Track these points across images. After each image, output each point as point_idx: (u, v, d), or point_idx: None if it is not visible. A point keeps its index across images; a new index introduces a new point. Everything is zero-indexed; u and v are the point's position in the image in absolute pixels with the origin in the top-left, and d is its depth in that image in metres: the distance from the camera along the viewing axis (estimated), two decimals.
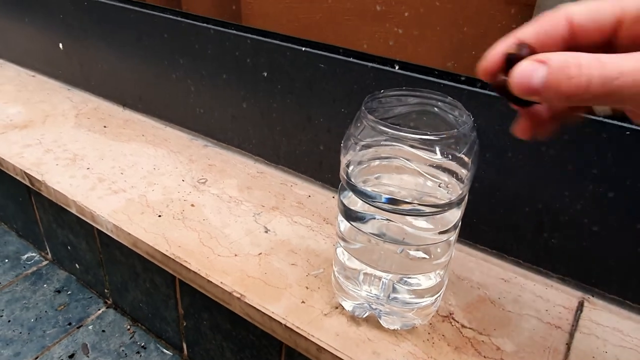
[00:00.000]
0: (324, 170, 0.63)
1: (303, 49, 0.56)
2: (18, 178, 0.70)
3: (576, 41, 0.24)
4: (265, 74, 0.61)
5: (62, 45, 0.88)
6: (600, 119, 0.41)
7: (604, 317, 0.46)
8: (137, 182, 0.64)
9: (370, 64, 0.52)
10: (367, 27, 0.52)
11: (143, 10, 0.71)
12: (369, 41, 0.52)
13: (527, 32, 0.24)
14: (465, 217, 0.49)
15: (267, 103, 0.63)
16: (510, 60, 0.24)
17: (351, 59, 0.53)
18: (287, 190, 0.64)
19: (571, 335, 0.44)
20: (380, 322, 0.43)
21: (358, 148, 0.38)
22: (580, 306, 0.47)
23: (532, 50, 0.23)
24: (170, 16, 0.68)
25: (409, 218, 0.38)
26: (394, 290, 0.42)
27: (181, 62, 0.70)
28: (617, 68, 0.20)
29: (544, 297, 0.48)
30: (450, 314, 0.46)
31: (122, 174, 0.66)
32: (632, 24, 0.22)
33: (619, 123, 0.41)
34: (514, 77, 0.23)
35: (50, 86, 0.94)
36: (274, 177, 0.67)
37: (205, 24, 0.64)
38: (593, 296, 0.48)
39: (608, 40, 0.23)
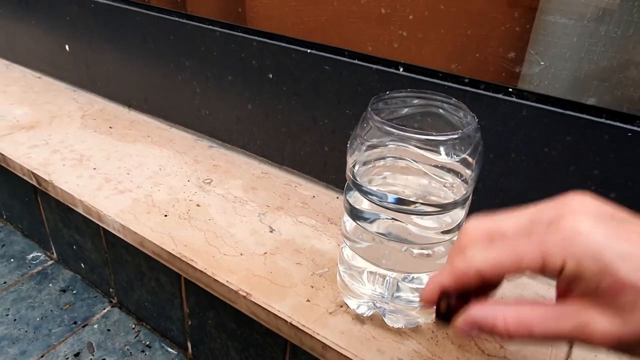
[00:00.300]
0: (328, 171, 0.63)
1: (308, 51, 0.57)
2: (25, 178, 0.71)
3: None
4: (271, 76, 0.62)
5: (68, 46, 0.89)
6: (602, 120, 0.42)
7: None
8: (143, 182, 0.65)
9: (375, 66, 0.52)
10: (372, 30, 0.52)
11: (149, 13, 0.72)
12: (373, 43, 0.53)
13: (445, 276, 0.28)
14: (469, 217, 0.50)
15: (272, 104, 0.64)
16: (441, 312, 0.29)
17: (356, 61, 0.54)
18: (291, 191, 0.64)
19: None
20: (385, 320, 0.44)
21: (364, 148, 0.38)
22: None
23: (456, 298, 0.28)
24: (176, 18, 0.69)
25: (413, 217, 0.39)
26: (398, 288, 0.42)
27: (187, 63, 0.71)
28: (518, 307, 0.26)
29: (547, 296, 0.48)
30: None
31: (128, 174, 0.67)
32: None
33: (621, 124, 0.41)
34: (457, 328, 0.28)
35: (56, 87, 0.95)
36: (278, 178, 0.67)
37: (211, 26, 0.65)
38: None
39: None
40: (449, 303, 0.28)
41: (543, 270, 0.24)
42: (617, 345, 0.23)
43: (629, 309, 0.22)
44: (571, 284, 0.24)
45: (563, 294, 0.25)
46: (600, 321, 0.23)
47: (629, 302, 0.22)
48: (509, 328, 0.25)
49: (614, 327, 0.23)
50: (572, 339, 0.24)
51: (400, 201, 0.37)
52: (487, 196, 0.50)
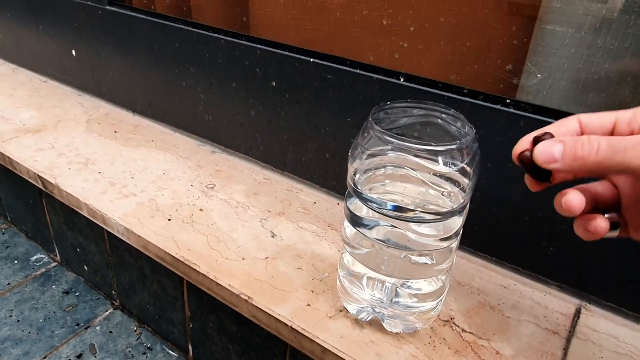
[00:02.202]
0: (329, 177, 0.64)
1: (311, 60, 0.58)
2: (31, 181, 0.72)
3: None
4: (274, 84, 0.63)
5: (75, 52, 0.90)
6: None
7: (600, 324, 0.47)
8: (147, 186, 0.66)
9: (376, 76, 0.54)
10: (374, 40, 0.54)
11: (155, 20, 0.73)
12: (375, 54, 0.54)
13: (549, 127, 0.32)
14: (467, 225, 0.51)
15: (275, 112, 0.65)
16: (537, 142, 0.30)
17: (358, 71, 0.55)
18: (293, 197, 0.66)
19: (568, 341, 0.45)
20: (384, 325, 0.45)
21: (365, 157, 0.39)
22: (578, 313, 0.48)
23: (553, 137, 0.30)
24: (182, 26, 0.70)
25: (412, 225, 0.40)
26: (397, 294, 0.43)
27: (192, 70, 0.72)
28: (622, 139, 0.27)
29: (543, 304, 0.49)
30: (452, 318, 0.47)
31: (132, 178, 0.68)
32: (624, 126, 0.30)
33: None
34: (538, 148, 0.29)
35: (62, 92, 0.96)
36: (280, 184, 0.68)
37: (216, 35, 0.66)
38: (590, 304, 0.50)
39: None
40: (544, 138, 0.30)
41: None
42: None
43: None
44: None
45: None
46: None
47: None
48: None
49: None
50: None
51: (399, 209, 0.38)
52: (486, 205, 0.51)
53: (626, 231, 0.32)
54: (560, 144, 0.28)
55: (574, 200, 0.30)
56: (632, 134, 0.29)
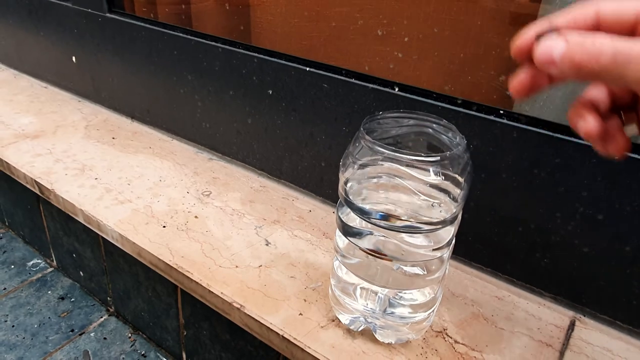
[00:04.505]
0: (325, 185, 0.65)
1: (307, 69, 0.58)
2: (28, 186, 0.72)
3: (599, 31, 0.26)
4: (271, 92, 0.63)
5: (75, 58, 0.91)
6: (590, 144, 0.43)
7: (594, 337, 0.47)
8: (143, 193, 0.66)
9: (371, 85, 0.54)
10: (369, 50, 0.54)
11: (154, 28, 0.74)
12: (370, 63, 0.54)
13: (559, 17, 0.27)
14: (460, 236, 0.51)
15: (271, 119, 0.65)
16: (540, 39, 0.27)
17: (353, 80, 0.55)
18: (288, 205, 0.66)
19: (562, 353, 0.45)
20: (375, 335, 0.45)
21: (356, 167, 0.39)
22: (572, 325, 0.48)
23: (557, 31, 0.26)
24: (181, 34, 0.70)
25: (404, 235, 0.39)
26: (390, 304, 0.43)
27: (189, 78, 0.73)
28: (628, 45, 0.23)
29: (536, 315, 0.49)
30: (444, 329, 0.47)
31: (128, 184, 0.68)
32: None
33: None
34: (538, 48, 0.26)
35: (61, 97, 0.97)
36: (276, 191, 0.68)
37: (213, 43, 0.67)
38: (584, 316, 0.49)
39: (628, 34, 0.26)
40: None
41: None
42: None
43: None
44: None
45: None
46: None
47: None
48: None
49: None
50: None
51: (389, 218, 0.38)
52: (478, 215, 0.51)
53: None
54: (563, 42, 0.25)
55: (592, 129, 0.27)
56: None
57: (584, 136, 0.28)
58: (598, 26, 0.26)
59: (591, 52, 0.24)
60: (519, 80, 0.29)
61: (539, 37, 0.27)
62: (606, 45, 0.23)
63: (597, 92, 0.29)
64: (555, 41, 0.25)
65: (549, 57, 0.25)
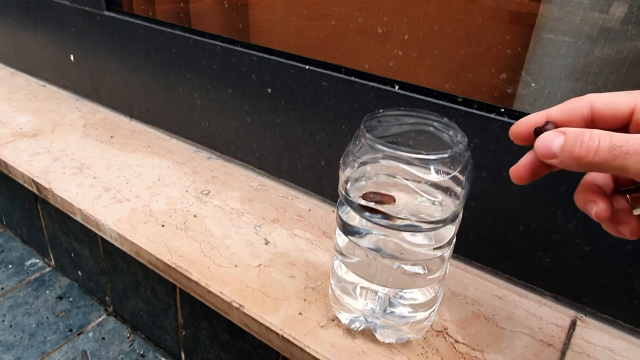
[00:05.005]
0: (324, 184, 0.64)
1: (307, 67, 0.58)
2: (26, 185, 0.72)
3: (595, 125, 0.28)
4: (270, 90, 0.63)
5: (73, 56, 0.90)
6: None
7: (595, 336, 0.47)
8: (142, 192, 0.66)
9: (371, 84, 0.53)
10: (369, 48, 0.54)
11: (153, 26, 0.73)
12: (370, 61, 0.54)
13: (555, 109, 0.29)
14: (461, 234, 0.50)
15: (270, 118, 0.65)
16: (537, 133, 0.28)
17: (353, 78, 0.55)
18: (287, 204, 0.65)
19: (563, 353, 0.45)
20: (376, 335, 0.44)
21: (356, 165, 0.39)
22: (573, 325, 0.48)
23: (556, 127, 0.28)
24: (179, 32, 0.70)
25: (404, 234, 0.39)
26: (390, 304, 0.43)
27: (188, 76, 0.72)
28: (623, 138, 0.24)
29: (537, 314, 0.49)
30: (445, 329, 0.47)
31: (127, 183, 0.68)
32: None
33: None
34: (538, 142, 0.27)
35: (60, 96, 0.97)
36: (275, 190, 0.68)
37: (212, 41, 0.66)
38: (586, 315, 0.49)
39: (623, 127, 0.27)
40: (546, 128, 0.28)
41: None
42: None
43: None
44: None
45: None
46: None
47: None
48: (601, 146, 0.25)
49: None
50: None
51: (390, 217, 0.38)
52: (481, 214, 0.51)
53: None
54: (562, 136, 0.26)
55: (603, 213, 0.28)
56: None
57: (596, 219, 0.29)
58: (593, 119, 0.28)
59: (590, 145, 0.25)
60: (519, 171, 0.31)
61: (537, 130, 0.28)
62: (603, 140, 0.25)
63: (601, 176, 0.29)
64: (553, 134, 0.27)
65: (549, 150, 0.27)
